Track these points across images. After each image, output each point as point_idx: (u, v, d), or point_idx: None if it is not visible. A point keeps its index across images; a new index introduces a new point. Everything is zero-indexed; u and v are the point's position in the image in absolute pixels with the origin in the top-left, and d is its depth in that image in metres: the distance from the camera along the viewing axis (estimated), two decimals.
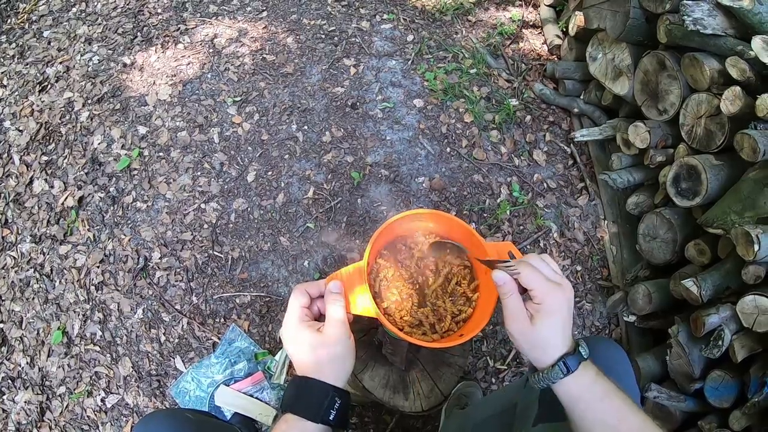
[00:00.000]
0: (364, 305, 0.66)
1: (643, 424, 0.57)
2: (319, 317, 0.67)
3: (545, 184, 1.78)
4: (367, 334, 0.98)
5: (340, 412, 0.61)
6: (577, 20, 1.78)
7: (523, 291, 0.61)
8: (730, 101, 1.24)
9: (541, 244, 1.66)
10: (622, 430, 0.57)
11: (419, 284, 0.75)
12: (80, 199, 1.72)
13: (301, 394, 0.61)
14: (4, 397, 1.47)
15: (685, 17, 1.30)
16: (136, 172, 1.76)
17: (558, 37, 2.03)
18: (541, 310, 0.58)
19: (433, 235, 0.78)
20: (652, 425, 0.57)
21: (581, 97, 1.88)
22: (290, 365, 1.40)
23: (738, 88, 1.23)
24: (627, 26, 1.52)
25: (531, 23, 2.20)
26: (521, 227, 1.69)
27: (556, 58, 2.04)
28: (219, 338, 1.49)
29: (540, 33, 2.16)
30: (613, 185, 1.59)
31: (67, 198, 1.72)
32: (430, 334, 0.72)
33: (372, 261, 0.75)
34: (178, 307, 1.54)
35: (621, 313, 1.52)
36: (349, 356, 0.63)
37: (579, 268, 1.65)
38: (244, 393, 1.38)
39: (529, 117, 1.91)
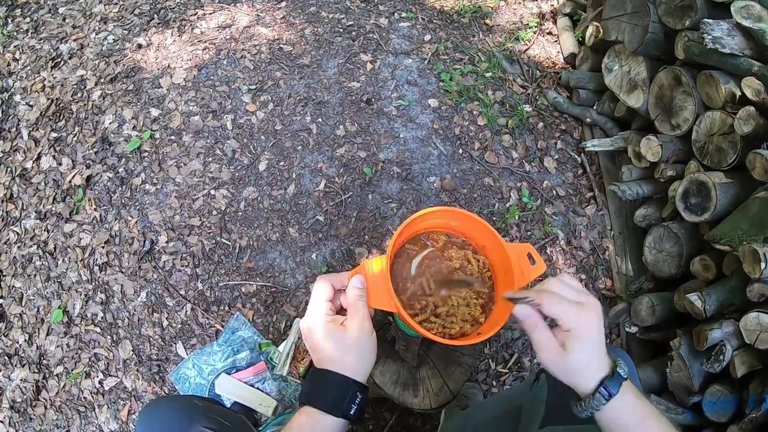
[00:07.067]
0: (384, 300, 0.66)
1: None
2: (341, 310, 0.67)
3: (554, 192, 1.79)
4: (380, 329, 0.99)
5: (360, 406, 0.60)
6: (595, 31, 1.80)
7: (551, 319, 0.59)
8: (744, 121, 1.26)
9: (548, 251, 1.68)
10: None
11: (439, 280, 0.75)
12: (88, 178, 1.71)
13: (322, 387, 0.60)
14: (0, 373, 1.46)
15: (705, 35, 1.32)
16: (146, 154, 1.74)
17: (574, 46, 2.05)
18: (571, 336, 0.56)
19: (454, 234, 0.79)
20: None
21: (594, 107, 1.90)
22: (294, 357, 1.39)
23: (752, 108, 1.25)
24: (645, 40, 1.54)
25: (547, 31, 2.21)
26: (529, 233, 1.70)
27: (570, 67, 2.05)
28: (222, 326, 1.48)
29: (556, 41, 2.17)
30: (622, 196, 1.61)
31: (74, 176, 1.71)
32: (447, 331, 0.72)
33: (394, 256, 0.75)
34: (182, 292, 1.53)
35: (623, 323, 1.53)
36: (371, 351, 0.63)
37: (583, 276, 1.66)
38: (245, 382, 1.38)
39: (541, 124, 1.92)
